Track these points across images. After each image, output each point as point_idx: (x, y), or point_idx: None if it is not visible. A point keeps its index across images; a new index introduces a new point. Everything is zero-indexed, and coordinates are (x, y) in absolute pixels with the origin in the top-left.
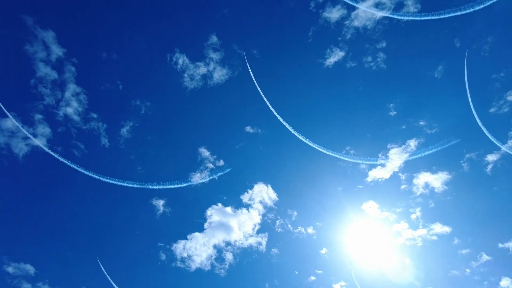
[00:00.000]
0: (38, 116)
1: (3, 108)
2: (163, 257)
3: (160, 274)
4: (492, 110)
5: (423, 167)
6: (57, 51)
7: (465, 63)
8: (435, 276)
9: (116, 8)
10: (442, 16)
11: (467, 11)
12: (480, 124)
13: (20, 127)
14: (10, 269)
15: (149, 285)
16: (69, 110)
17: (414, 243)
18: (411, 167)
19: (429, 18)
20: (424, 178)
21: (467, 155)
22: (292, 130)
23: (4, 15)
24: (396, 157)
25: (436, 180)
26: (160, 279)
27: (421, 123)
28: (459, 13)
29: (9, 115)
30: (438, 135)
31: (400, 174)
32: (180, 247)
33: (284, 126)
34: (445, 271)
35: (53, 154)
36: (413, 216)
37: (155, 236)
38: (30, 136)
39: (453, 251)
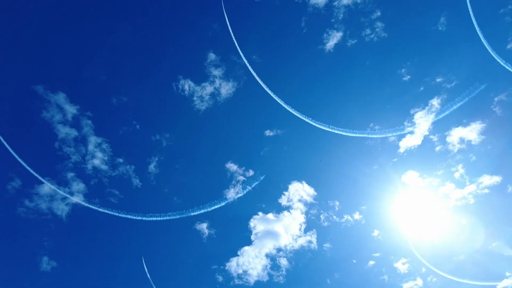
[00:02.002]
0: (70, 174)
1: (38, 176)
2: (220, 278)
3: None
4: (509, 46)
5: (453, 123)
6: (70, 109)
7: (469, 5)
8: (498, 230)
9: (115, 55)
10: None
11: None
12: (502, 62)
13: (57, 189)
14: None
15: None
16: (96, 162)
17: (465, 202)
18: (440, 127)
19: None
20: (457, 134)
21: (495, 98)
22: (311, 122)
23: (19, 89)
24: (422, 121)
25: (470, 132)
26: None
27: (438, 79)
28: None
29: (44, 181)
30: (460, 87)
31: (431, 137)
32: (234, 265)
33: (303, 120)
34: (508, 221)
35: (92, 207)
36: (456, 175)
37: (207, 260)
38: (68, 195)
39: (509, 200)
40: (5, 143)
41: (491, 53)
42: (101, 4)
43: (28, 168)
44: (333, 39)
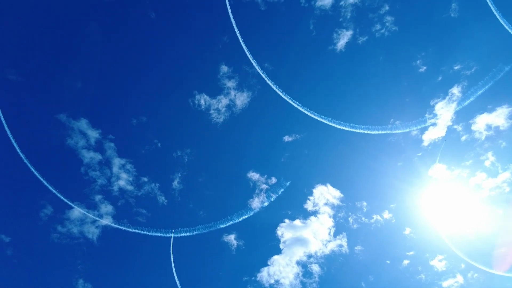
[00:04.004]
0: (98, 197)
1: (67, 201)
2: None
3: None
4: None
5: (476, 110)
6: (93, 134)
7: None
8: None
9: (129, 76)
10: None
11: None
12: None
13: (86, 213)
14: None
15: None
16: (122, 183)
17: (500, 191)
18: (464, 115)
19: None
20: (483, 121)
21: None
22: (330, 123)
23: (43, 119)
24: (444, 111)
25: (497, 118)
26: None
27: (456, 67)
28: None
29: (73, 206)
30: (480, 72)
31: (455, 126)
32: (265, 275)
33: (321, 122)
34: None
35: (121, 227)
36: (487, 163)
37: (238, 272)
38: (97, 218)
39: None
40: (35, 172)
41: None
42: (112, 31)
43: (58, 194)
44: (343, 38)
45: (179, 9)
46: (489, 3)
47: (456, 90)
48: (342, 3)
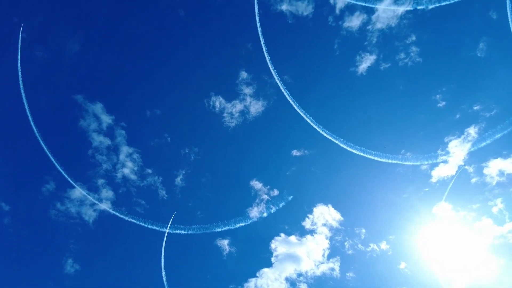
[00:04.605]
0: (101, 181)
1: (70, 180)
2: None
3: None
4: None
5: (491, 154)
6: (106, 119)
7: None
8: None
9: (150, 69)
10: None
11: None
12: None
13: (87, 195)
14: None
15: None
16: (126, 171)
17: (504, 240)
18: (477, 157)
19: (454, 0)
20: (496, 166)
21: None
22: (341, 144)
23: (61, 97)
24: (457, 150)
25: (511, 165)
26: None
27: (476, 107)
28: None
29: (76, 186)
30: (500, 116)
31: (467, 167)
32: (252, 286)
33: (332, 141)
34: None
35: (119, 214)
36: (494, 210)
37: (226, 278)
38: (96, 202)
39: None
40: (44, 147)
41: None
42: (140, 21)
43: (62, 171)
44: (366, 62)
45: (208, 10)
46: None
47: (472, 130)
48: (369, 27)
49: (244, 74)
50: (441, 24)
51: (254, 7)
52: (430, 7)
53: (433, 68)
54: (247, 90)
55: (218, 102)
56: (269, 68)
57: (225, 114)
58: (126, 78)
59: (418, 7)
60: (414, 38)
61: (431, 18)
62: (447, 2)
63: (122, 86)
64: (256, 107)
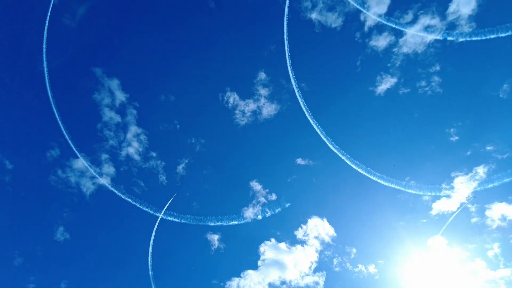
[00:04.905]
0: (105, 156)
1: (75, 150)
2: None
3: None
4: None
5: (496, 196)
6: (120, 96)
7: None
8: None
9: (171, 54)
10: (500, 35)
11: None
12: None
13: (89, 167)
14: None
15: None
16: (131, 150)
17: (495, 286)
18: (481, 197)
19: (486, 37)
20: (500, 210)
21: None
22: (346, 160)
23: (78, 68)
24: (462, 187)
25: None
26: None
27: (489, 148)
28: None
29: (79, 156)
30: None
31: (469, 206)
32: (234, 285)
33: (338, 156)
34: None
35: (116, 192)
36: (490, 253)
37: (209, 272)
38: (97, 175)
39: None
40: (56, 112)
41: None
42: (172, 8)
43: (69, 140)
44: (386, 83)
45: (239, 5)
46: None
47: (481, 170)
48: (395, 49)
49: (262, 75)
50: (469, 58)
51: (284, 11)
52: (460, 39)
53: (452, 101)
54: (263, 91)
55: (232, 98)
56: (288, 73)
57: (237, 111)
58: (147, 60)
59: (448, 38)
60: (438, 68)
61: (459, 51)
62: (478, 38)
63: (142, 66)
64: (269, 109)
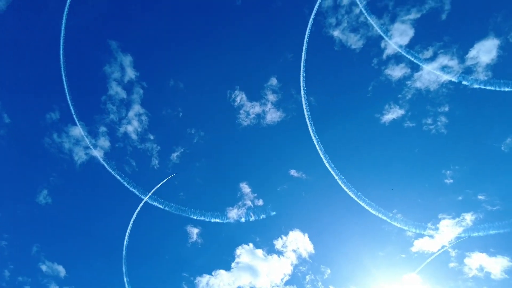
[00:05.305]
0: (103, 129)
1: (75, 117)
2: None
3: None
4: None
5: (478, 246)
6: (130, 74)
7: None
8: None
9: (189, 42)
10: None
11: None
12: None
13: (85, 137)
14: (43, 267)
15: None
16: (130, 128)
17: None
18: (463, 244)
19: (498, 89)
20: (479, 260)
21: None
22: (339, 181)
23: (94, 38)
24: (447, 230)
25: (494, 264)
26: None
27: (481, 197)
28: None
29: (78, 124)
30: (501, 214)
31: (450, 250)
32: (204, 282)
33: (331, 175)
34: None
35: (107, 166)
36: None
37: (182, 264)
38: (91, 146)
39: None
40: (63, 76)
41: None
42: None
43: (71, 106)
44: (393, 113)
45: (265, 7)
46: None
47: (469, 217)
48: (409, 82)
49: (274, 81)
50: (479, 105)
51: (309, 23)
52: (475, 86)
53: (454, 144)
54: (271, 97)
55: (240, 97)
56: (300, 84)
57: (242, 111)
58: (164, 42)
59: (463, 82)
60: (447, 109)
61: (471, 96)
62: (492, 88)
63: (158, 48)
64: (273, 115)
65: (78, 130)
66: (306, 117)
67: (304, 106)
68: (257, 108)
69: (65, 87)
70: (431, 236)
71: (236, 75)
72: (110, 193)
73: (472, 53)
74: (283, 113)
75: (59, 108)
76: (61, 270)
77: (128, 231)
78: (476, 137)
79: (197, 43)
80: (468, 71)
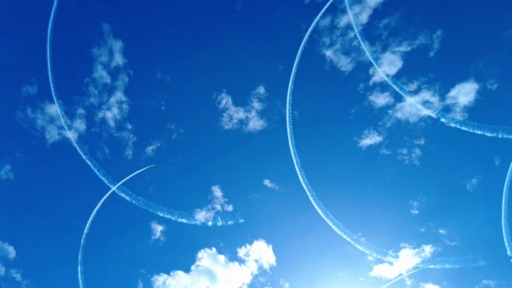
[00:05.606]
0: (80, 111)
1: (54, 94)
2: (140, 286)
3: None
4: None
5: (433, 278)
6: (119, 60)
7: (505, 187)
8: None
9: (183, 37)
10: (486, 134)
11: None
12: (510, 253)
13: (61, 116)
14: None
15: None
16: (109, 115)
17: None
18: (420, 274)
19: (472, 131)
20: None
21: (484, 281)
22: (310, 197)
23: (86, 17)
24: (407, 259)
25: None
26: None
27: (442, 231)
28: (504, 136)
29: (55, 102)
30: (458, 250)
31: (406, 279)
32: (160, 281)
33: (304, 190)
34: None
35: (78, 149)
36: None
37: (139, 260)
38: (66, 127)
39: None
40: (48, 51)
41: (505, 240)
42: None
43: (50, 82)
44: (371, 139)
45: (263, 15)
46: (503, 200)
47: (428, 249)
48: (390, 111)
49: (261, 89)
50: (452, 143)
51: (304, 38)
52: (451, 124)
53: (424, 177)
54: (256, 105)
55: (225, 100)
56: (286, 96)
57: (225, 114)
58: (158, 33)
59: (441, 119)
60: (422, 142)
61: (446, 133)
62: (466, 129)
63: (151, 38)
64: (255, 123)
65: (54, 108)
66: (288, 130)
67: (287, 119)
68: (241, 114)
69: (48, 62)
70: (391, 263)
71: (225, 78)
72: (77, 177)
73: (453, 93)
74: (266, 123)
75: (38, 82)
76: (11, 251)
77: (90, 219)
78: (446, 173)
79: (191, 40)
80: (447, 109)
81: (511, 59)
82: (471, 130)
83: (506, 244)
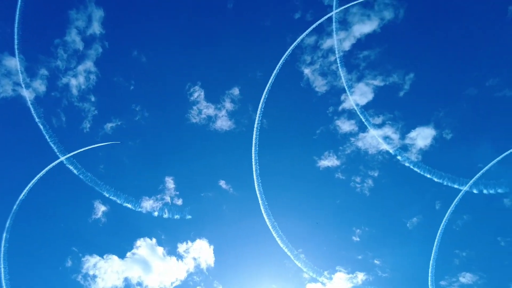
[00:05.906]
0: (43, 72)
1: (16, 47)
2: (69, 263)
3: (55, 279)
4: (442, 283)
5: None
6: (96, 29)
7: (439, 230)
8: None
9: (168, 20)
10: (434, 178)
11: (460, 187)
12: None
13: (20, 72)
14: None
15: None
16: (73, 82)
17: None
18: None
19: (422, 173)
20: None
21: None
22: (261, 206)
23: None
24: (339, 282)
25: None
26: (53, 284)
27: (377, 261)
28: (448, 184)
29: (17, 56)
30: (387, 282)
31: None
32: (91, 262)
33: (256, 198)
34: None
35: (32, 111)
36: None
37: (74, 239)
38: (23, 85)
39: None
40: (18, 5)
41: (429, 278)
42: None
43: (15, 33)
44: (330, 162)
45: (252, 18)
46: (434, 246)
47: (361, 276)
48: (352, 139)
49: (236, 91)
50: (402, 181)
51: (286, 51)
52: (406, 163)
53: (371, 208)
54: (228, 105)
55: (197, 93)
56: (259, 103)
57: (195, 108)
58: (144, 12)
59: (397, 156)
60: (376, 174)
61: (400, 171)
62: (417, 170)
63: (135, 15)
64: (223, 123)
65: (14, 62)
66: (254, 136)
67: (255, 125)
68: (210, 110)
69: (18, 10)
70: (324, 284)
71: (202, 71)
72: (24, 139)
73: (413, 134)
74: (234, 124)
75: (1, 31)
76: None
77: (30, 185)
78: (391, 208)
79: (175, 26)
80: (404, 148)
81: (468, 115)
82: (421, 173)
83: (429, 283)
